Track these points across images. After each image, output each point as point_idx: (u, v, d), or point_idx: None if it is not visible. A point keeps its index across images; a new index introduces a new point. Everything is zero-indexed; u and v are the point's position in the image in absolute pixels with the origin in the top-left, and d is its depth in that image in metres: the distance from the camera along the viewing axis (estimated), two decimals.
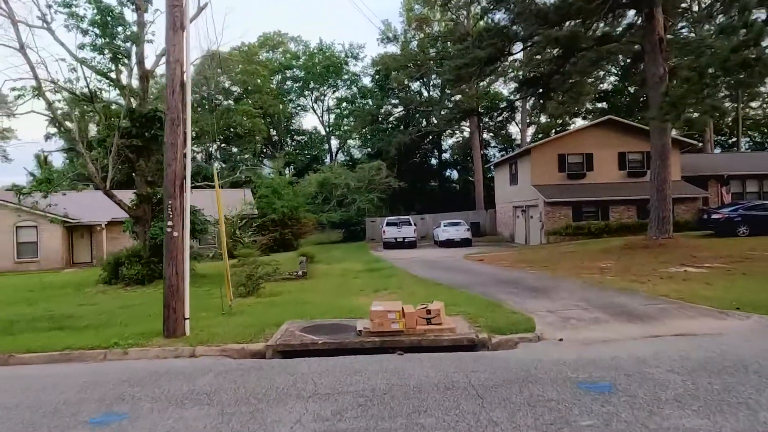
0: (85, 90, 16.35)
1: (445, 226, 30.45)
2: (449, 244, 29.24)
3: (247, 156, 51.55)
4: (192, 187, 8.95)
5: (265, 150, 55.83)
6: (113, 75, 16.71)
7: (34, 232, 24.85)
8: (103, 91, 17.08)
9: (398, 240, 29.80)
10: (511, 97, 36.02)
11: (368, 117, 46.40)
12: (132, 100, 17.07)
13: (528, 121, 50.47)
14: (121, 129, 16.35)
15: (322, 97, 60.82)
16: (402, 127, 50.57)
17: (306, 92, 60.09)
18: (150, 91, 19.11)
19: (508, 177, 32.93)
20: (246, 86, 51.45)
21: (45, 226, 25.04)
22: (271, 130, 58.34)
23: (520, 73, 51.94)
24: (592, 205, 27.32)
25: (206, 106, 52.24)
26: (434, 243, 32.68)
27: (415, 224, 31.25)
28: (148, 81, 17.11)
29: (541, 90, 26.35)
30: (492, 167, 44.00)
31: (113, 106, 18.26)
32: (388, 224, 30.76)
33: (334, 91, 60.66)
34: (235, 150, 54.41)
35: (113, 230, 27.65)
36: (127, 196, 17.95)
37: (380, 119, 47.55)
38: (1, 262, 24.38)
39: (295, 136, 63.90)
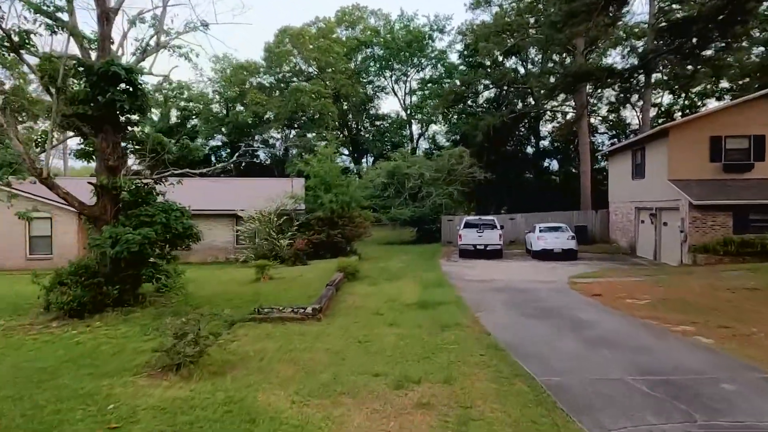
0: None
1: (541, 231, 23.31)
2: (546, 255, 22.14)
3: (319, 143, 47.04)
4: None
5: (338, 135, 51.06)
6: (63, 16, 11.88)
7: (48, 224, 21.59)
8: (39, 36, 12.29)
9: (478, 248, 23.21)
10: (633, 62, 27.31)
11: (451, 95, 39.50)
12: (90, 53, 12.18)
13: (650, 101, 40.83)
14: (68, 91, 11.54)
15: (404, 78, 54.84)
16: (493, 109, 43.20)
17: (386, 72, 54.40)
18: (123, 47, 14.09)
19: (630, 168, 24.86)
20: (319, 64, 46.74)
21: (59, 217, 21.65)
22: (349, 115, 53.40)
23: (640, 43, 42.55)
24: (764, 210, 18.87)
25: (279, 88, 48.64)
26: (526, 251, 25.66)
27: (501, 226, 24.40)
28: (110, 24, 12.10)
29: (689, 41, 18.29)
30: (604, 156, 35.54)
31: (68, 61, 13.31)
32: (466, 226, 24.24)
33: (417, 71, 54.44)
34: (310, 136, 50.28)
35: None
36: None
37: (466, 98, 40.53)
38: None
39: (375, 121, 58.70)
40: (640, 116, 44.98)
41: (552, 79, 32.46)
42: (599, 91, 41.96)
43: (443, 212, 31.90)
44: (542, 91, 31.53)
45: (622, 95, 41.61)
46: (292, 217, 22.71)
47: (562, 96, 40.75)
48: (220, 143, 67.25)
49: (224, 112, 53.93)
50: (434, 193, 31.97)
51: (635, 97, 44.94)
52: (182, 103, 64.70)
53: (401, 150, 34.55)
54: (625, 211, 26.04)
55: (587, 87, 36.96)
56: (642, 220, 23.82)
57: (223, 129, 54.50)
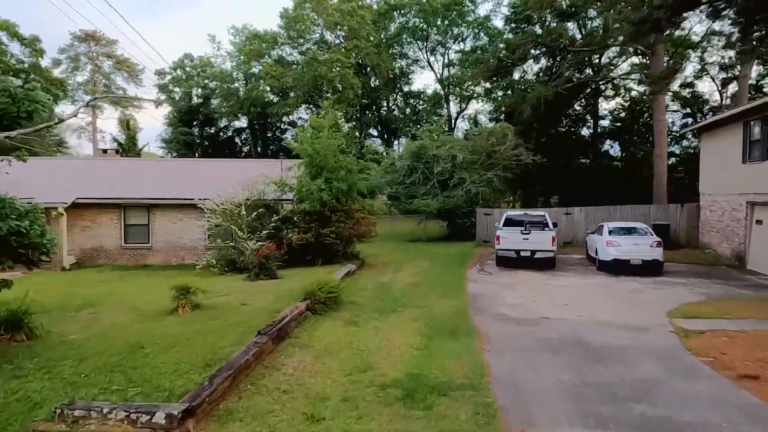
0: None
1: (613, 233, 16.83)
2: (620, 268, 15.75)
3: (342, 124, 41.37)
4: None
5: (360, 113, 45.17)
6: None
7: None
8: None
9: (522, 254, 17.04)
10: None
11: (494, 62, 32.73)
12: None
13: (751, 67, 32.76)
14: None
15: (442, 49, 48.22)
16: (545, 80, 36.20)
17: (420, 43, 47.95)
18: None
19: (740, 148, 17.91)
20: (342, 30, 40.91)
21: None
22: (379, 91, 47.39)
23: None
24: None
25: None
26: (588, 259, 19.30)
27: (554, 225, 18.11)
28: None
29: None
30: (693, 135, 28.36)
31: None
32: (507, 223, 18.13)
33: (456, 42, 47.73)
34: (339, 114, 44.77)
35: (81, 216, 19.01)
36: None
37: (512, 67, 33.72)
38: None
39: (409, 99, 52.48)
40: (729, 89, 37.13)
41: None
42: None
43: (479, 203, 25.72)
44: (623, 30, 23.94)
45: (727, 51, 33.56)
46: (275, 210, 17.26)
47: (632, 60, 33.30)
48: (244, 124, 62.96)
49: (243, 89, 49.09)
50: (468, 179, 25.80)
51: (715, 69, 37.00)
52: (205, 81, 60.62)
53: (429, 127, 28.46)
54: (726, 207, 19.11)
55: (666, 54, 29.54)
56: (758, 219, 16.95)
57: (242, 108, 49.84)
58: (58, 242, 18.01)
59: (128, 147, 46.87)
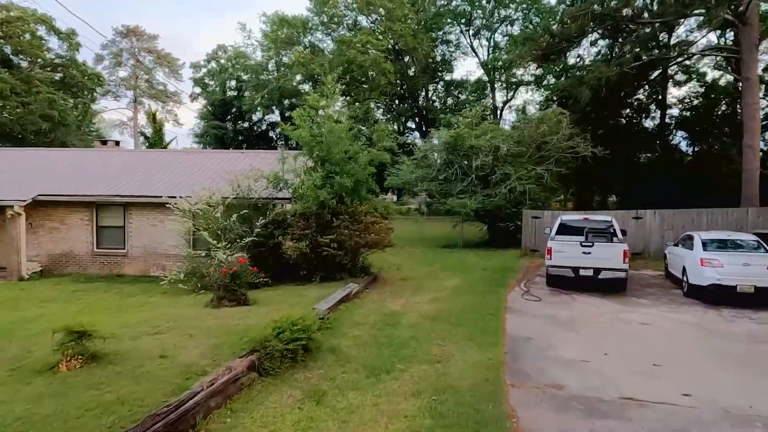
0: None
1: (709, 247, 12.38)
2: (722, 296, 11.43)
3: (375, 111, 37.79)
4: None
5: (395, 103, 41.45)
6: None
7: None
8: None
9: (582, 274, 12.91)
10: None
11: (545, 39, 28.03)
12: None
13: None
14: None
15: (487, 33, 43.78)
16: (608, 59, 31.27)
17: (463, 26, 43.71)
18: None
19: None
20: (375, 10, 37.30)
21: None
22: (416, 80, 43.47)
23: None
24: None
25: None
26: (667, 277, 14.94)
27: (622, 233, 13.85)
28: None
29: None
30: None
31: None
32: (561, 230, 14.14)
33: (504, 24, 43.22)
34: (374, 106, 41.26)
35: (49, 216, 16.26)
36: None
37: (564, 45, 29.07)
38: None
39: (450, 89, 48.33)
40: None
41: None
42: None
43: (526, 204, 21.55)
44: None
45: None
46: (265, 212, 13.89)
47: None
48: (278, 118, 60.42)
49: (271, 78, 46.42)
50: (514, 175, 21.67)
51: None
52: (239, 74, 58.54)
53: (466, 113, 24.42)
54: None
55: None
56: None
57: (272, 99, 47.20)
58: (15, 247, 15.49)
59: (155, 141, 45.19)
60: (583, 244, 12.98)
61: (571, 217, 15.61)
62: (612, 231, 13.69)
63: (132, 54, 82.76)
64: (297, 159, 14.09)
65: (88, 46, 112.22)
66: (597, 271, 12.76)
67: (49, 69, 55.54)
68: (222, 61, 62.21)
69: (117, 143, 23.65)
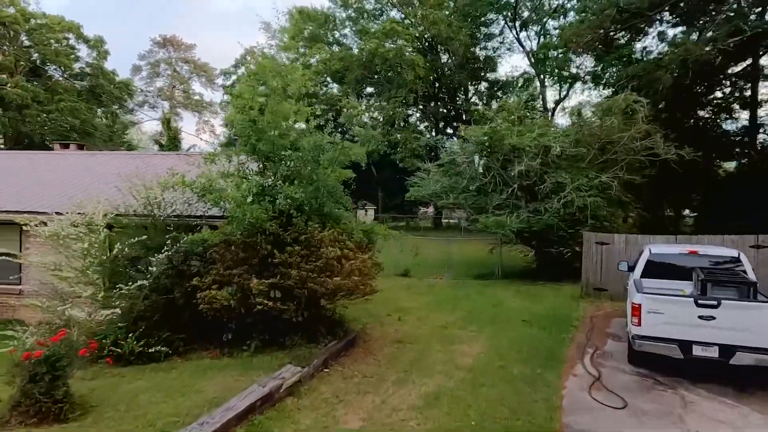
0: None
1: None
2: None
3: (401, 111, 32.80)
4: None
5: (426, 102, 36.32)
6: None
7: None
8: None
9: (698, 352, 7.38)
10: None
11: (609, 14, 21.92)
12: None
13: None
14: None
15: (535, 22, 38.11)
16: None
17: (507, 17, 38.24)
18: None
19: None
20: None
21: None
22: (452, 77, 38.26)
23: None
24: None
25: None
26: None
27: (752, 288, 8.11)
28: None
29: None
30: None
31: None
32: (651, 269, 8.77)
33: (553, 17, 37.45)
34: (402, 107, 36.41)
35: None
36: None
37: (633, 23, 22.92)
38: None
39: (494, 89, 42.88)
40: None
41: None
42: None
43: (587, 224, 15.94)
44: None
45: None
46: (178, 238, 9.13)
47: None
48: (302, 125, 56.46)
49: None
50: (570, 184, 16.14)
51: None
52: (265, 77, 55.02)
53: (505, 104, 19.16)
54: None
55: None
56: None
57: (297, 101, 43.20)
58: None
59: (170, 148, 42.14)
60: (699, 302, 7.46)
61: (667, 249, 10.06)
62: (743, 279, 8.11)
63: (169, 64, 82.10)
64: (238, 156, 9.33)
65: (123, 57, 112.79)
66: (728, 350, 7.21)
67: (78, 77, 54.32)
68: (252, 66, 59.18)
69: (81, 147, 19.84)
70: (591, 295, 14.17)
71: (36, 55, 51.26)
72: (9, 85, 44.72)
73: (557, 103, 38.84)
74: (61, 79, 52.51)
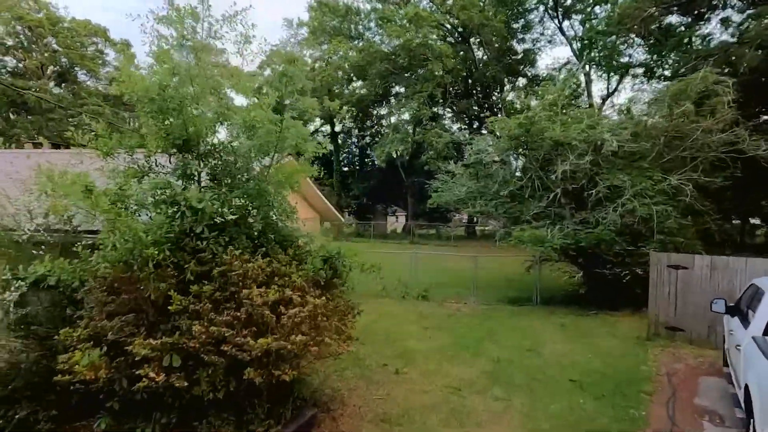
0: None
1: None
2: None
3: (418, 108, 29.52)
4: None
5: (457, 102, 32.93)
6: None
7: None
8: None
9: None
10: None
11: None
12: None
13: None
14: None
15: (579, 15, 34.19)
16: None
17: (550, 10, 34.45)
18: None
19: None
20: None
21: None
22: (496, 74, 34.70)
23: None
24: None
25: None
26: None
27: None
28: None
29: None
30: None
31: None
32: None
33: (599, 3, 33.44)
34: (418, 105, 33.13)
35: None
36: None
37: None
38: None
39: (534, 86, 39.08)
40: None
41: None
42: None
43: (653, 240, 12.36)
44: None
45: None
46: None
47: None
48: (337, 127, 53.95)
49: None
50: (629, 188, 12.59)
51: None
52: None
53: (544, 89, 15.83)
54: None
55: None
56: None
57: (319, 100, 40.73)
58: None
59: None
60: None
61: None
62: None
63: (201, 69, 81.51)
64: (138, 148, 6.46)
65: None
66: None
67: (105, 82, 53.80)
68: (279, 67, 57.14)
69: (57, 146, 17.67)
70: (661, 336, 10.62)
71: (64, 59, 50.93)
72: (34, 89, 44.15)
73: (605, 98, 34.74)
74: (89, 83, 52.02)
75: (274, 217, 5.86)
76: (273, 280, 5.37)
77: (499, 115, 30.90)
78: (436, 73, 27.18)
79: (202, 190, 5.59)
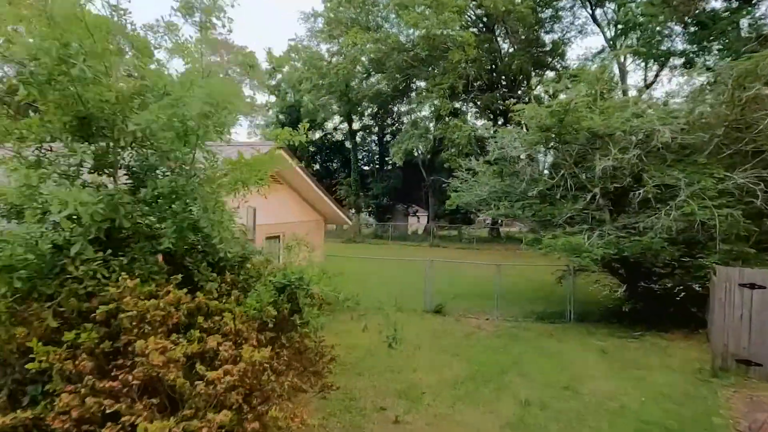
0: None
1: None
2: None
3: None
4: None
5: (476, 95, 30.78)
6: None
7: None
8: None
9: None
10: None
11: None
12: None
13: None
14: None
15: (612, 4, 31.66)
16: None
17: None
18: None
19: None
20: None
21: None
22: (523, 65, 32.34)
23: None
24: None
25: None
26: None
27: None
28: None
29: None
30: None
31: None
32: None
33: None
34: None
35: None
36: None
37: None
38: None
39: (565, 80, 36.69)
40: None
41: None
42: None
43: (715, 250, 10.26)
44: None
45: None
46: None
47: None
48: (356, 124, 52.27)
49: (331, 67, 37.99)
50: (685, 188, 10.51)
51: None
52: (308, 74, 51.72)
53: (581, 71, 13.80)
54: None
55: None
56: None
57: (339, 97, 39.34)
58: None
59: None
60: None
61: None
62: None
63: (221, 68, 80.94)
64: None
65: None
66: None
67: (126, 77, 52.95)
68: (297, 64, 55.92)
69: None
70: (731, 371, 8.57)
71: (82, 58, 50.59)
72: None
73: (641, 91, 32.11)
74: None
75: (207, 228, 4.14)
76: (197, 322, 3.65)
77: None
78: (458, 63, 25.14)
79: (101, 189, 3.94)
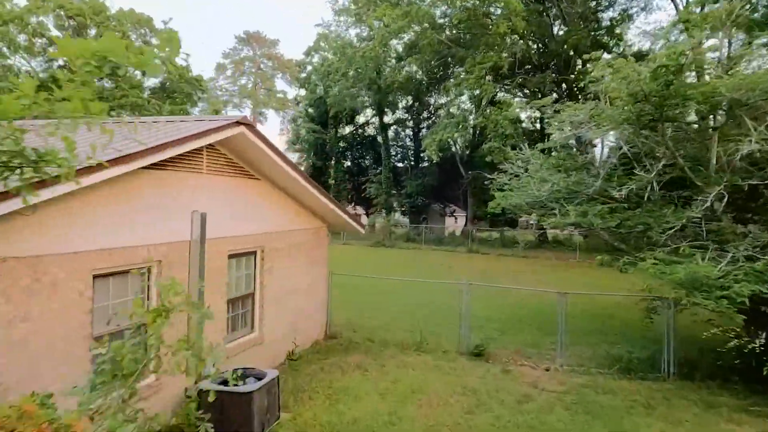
0: None
1: None
2: None
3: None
4: None
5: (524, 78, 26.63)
6: None
7: None
8: None
9: None
10: None
11: None
12: None
13: None
14: None
15: None
16: None
17: None
18: None
19: None
20: None
21: None
22: (577, 43, 27.85)
23: None
24: None
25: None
26: None
27: None
28: None
29: None
30: None
31: None
32: None
33: None
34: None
35: None
36: None
37: None
38: None
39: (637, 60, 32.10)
40: None
41: None
42: None
43: None
44: None
45: None
46: None
47: None
48: (389, 118, 48.76)
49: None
50: None
51: None
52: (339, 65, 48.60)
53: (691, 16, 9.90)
54: None
55: None
56: None
57: (369, 86, 36.08)
58: None
59: None
60: None
61: None
62: None
63: (253, 62, 78.82)
64: None
65: (207, 55, 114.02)
66: None
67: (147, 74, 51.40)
68: (329, 54, 52.71)
69: None
70: None
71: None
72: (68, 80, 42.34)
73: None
74: (129, 74, 50.11)
75: None
76: None
77: (580, 98, 24.31)
78: (503, 37, 21.09)
79: None
